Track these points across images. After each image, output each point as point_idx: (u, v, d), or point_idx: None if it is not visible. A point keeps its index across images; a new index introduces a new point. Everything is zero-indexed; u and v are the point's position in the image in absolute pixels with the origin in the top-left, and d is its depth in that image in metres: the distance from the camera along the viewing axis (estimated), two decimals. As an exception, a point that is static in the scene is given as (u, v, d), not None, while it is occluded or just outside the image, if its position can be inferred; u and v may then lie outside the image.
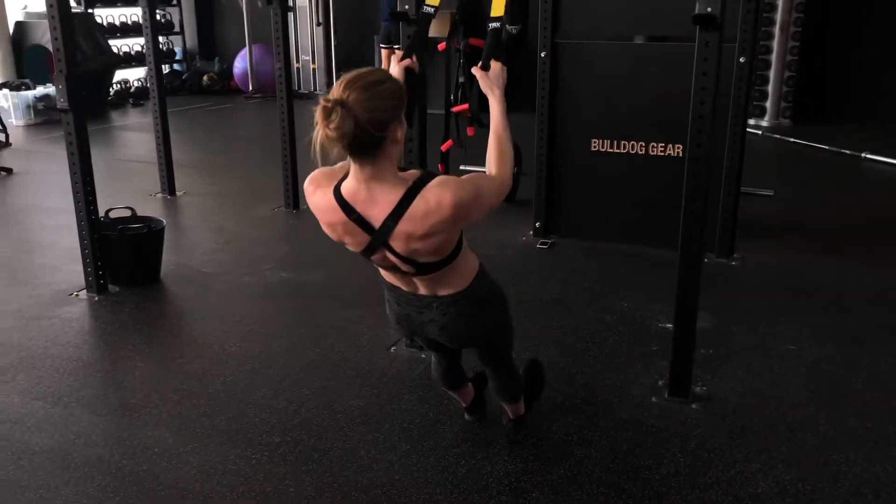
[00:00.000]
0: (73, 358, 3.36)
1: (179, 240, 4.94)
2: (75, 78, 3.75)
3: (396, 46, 8.92)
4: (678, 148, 4.49)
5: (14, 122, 8.63)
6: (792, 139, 7.74)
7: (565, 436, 2.78)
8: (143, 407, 2.96)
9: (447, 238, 2.03)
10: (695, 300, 2.93)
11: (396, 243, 2.01)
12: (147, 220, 4.22)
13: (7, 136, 7.34)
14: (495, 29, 2.44)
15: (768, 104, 8.57)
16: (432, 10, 2.67)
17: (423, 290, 2.21)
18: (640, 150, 4.59)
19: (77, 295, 3.99)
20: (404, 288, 2.24)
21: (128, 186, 6.09)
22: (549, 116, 4.70)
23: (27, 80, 8.99)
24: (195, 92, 10.92)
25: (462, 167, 5.94)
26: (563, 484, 2.52)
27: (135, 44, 10.54)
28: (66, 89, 3.71)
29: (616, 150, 4.64)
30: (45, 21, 9.26)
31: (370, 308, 3.71)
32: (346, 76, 1.87)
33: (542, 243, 4.79)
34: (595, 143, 4.67)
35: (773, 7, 8.37)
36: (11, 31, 9.33)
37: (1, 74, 9.13)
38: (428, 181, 1.97)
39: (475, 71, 2.28)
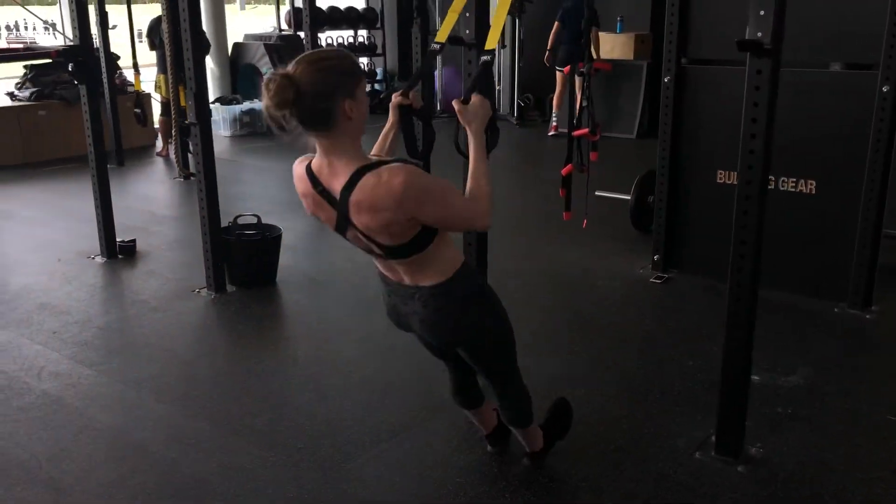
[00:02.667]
0: (166, 348, 3.70)
1: (311, 247, 5.27)
2: (203, 96, 4.14)
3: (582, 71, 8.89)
4: (811, 184, 4.10)
5: (222, 132, 9.60)
6: None
7: (580, 480, 2.64)
8: (199, 398, 3.21)
9: (397, 220, 1.99)
10: (746, 346, 2.66)
11: (354, 217, 2.01)
12: (267, 228, 4.54)
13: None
14: (485, 62, 2.40)
15: None
16: (438, 46, 2.66)
17: (406, 280, 2.21)
18: (770, 185, 4.22)
19: (199, 292, 4.38)
20: (391, 277, 2.26)
21: (288, 195, 6.56)
22: (671, 144, 4.47)
23: (237, 96, 9.98)
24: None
25: (598, 193, 5.81)
26: (555, 530, 2.39)
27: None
28: (195, 105, 4.11)
29: (743, 183, 4.30)
30: (258, 43, 10.27)
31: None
32: (303, 54, 1.96)
33: (658, 277, 4.54)
34: (721, 174, 4.37)
35: None
36: (230, 51, 10.39)
37: (217, 90, 10.19)
38: (391, 163, 1.98)
39: (454, 103, 2.23)
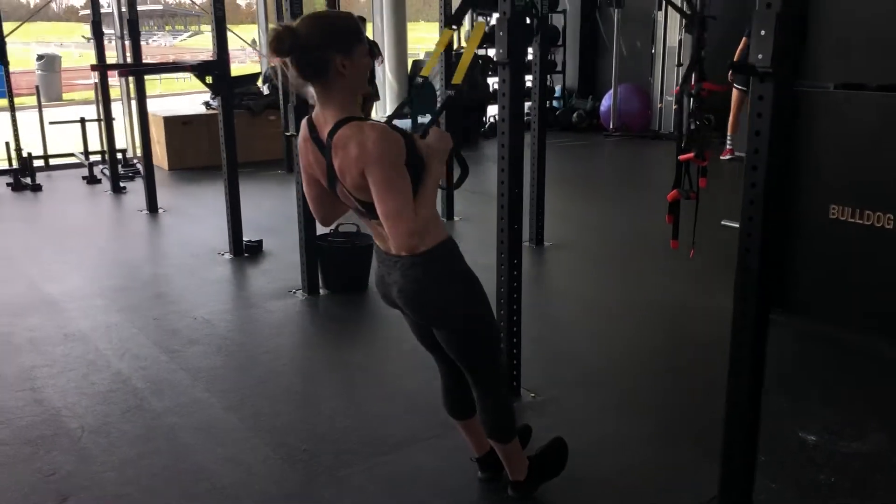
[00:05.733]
0: (239, 342, 3.97)
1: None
2: (303, 109, 4.39)
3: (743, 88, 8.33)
4: (935, 225, 3.59)
5: (392, 145, 10.04)
6: None
7: (558, 520, 2.52)
8: (240, 392, 3.41)
9: (359, 170, 2.04)
10: (752, 386, 2.40)
11: (335, 161, 2.09)
12: (361, 237, 4.71)
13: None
14: (449, 96, 2.38)
15: None
16: (421, 80, 2.66)
17: (392, 249, 2.23)
18: (888, 224, 3.75)
19: (294, 293, 4.64)
20: (381, 246, 2.30)
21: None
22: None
23: (408, 110, 10.38)
24: (564, 128, 11.42)
25: (724, 223, 5.45)
26: (504, 568, 2.30)
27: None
28: (295, 118, 4.37)
29: (859, 221, 3.86)
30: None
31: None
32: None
33: (758, 317, 4.16)
34: (834, 209, 3.94)
35: None
36: (409, 68, 10.84)
37: (394, 104, 10.66)
38: (376, 123, 2.07)
39: (415, 135, 2.23)
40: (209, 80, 5.03)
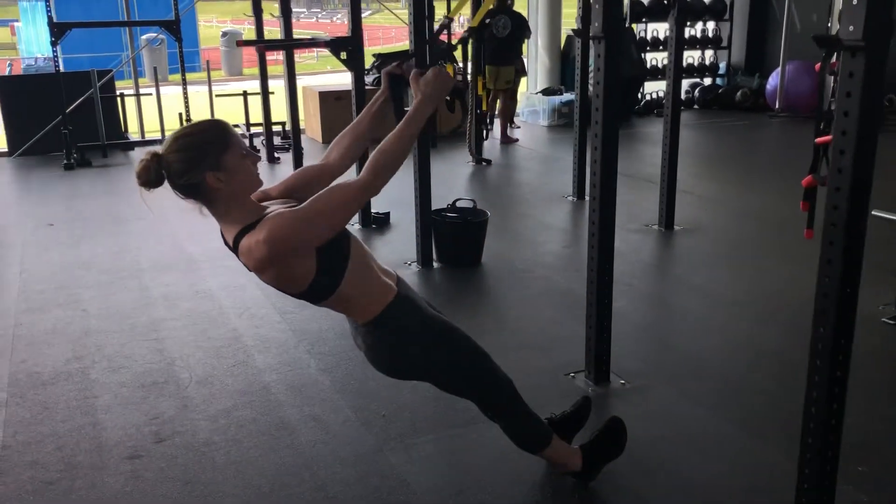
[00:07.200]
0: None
1: (536, 237, 5.35)
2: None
3: None
4: None
5: (541, 122, 9.97)
6: None
7: (617, 509, 2.45)
8: (338, 356, 3.55)
9: (285, 272, 2.02)
10: (832, 386, 2.22)
11: (257, 276, 2.06)
12: (475, 213, 4.74)
13: (487, 133, 8.49)
14: (462, 38, 2.29)
15: None
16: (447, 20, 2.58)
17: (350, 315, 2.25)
18: None
19: (409, 265, 4.75)
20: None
21: (551, 186, 6.67)
22: (929, 161, 3.70)
23: (561, 87, 10.24)
24: (726, 106, 10.85)
25: (875, 212, 4.97)
26: (550, 551, 2.28)
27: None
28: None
29: None
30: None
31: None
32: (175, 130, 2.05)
33: (894, 318, 3.82)
34: None
35: None
36: (562, 44, 10.67)
37: (545, 81, 10.55)
38: (266, 215, 1.99)
39: (413, 72, 2.16)
40: (343, 55, 5.19)
